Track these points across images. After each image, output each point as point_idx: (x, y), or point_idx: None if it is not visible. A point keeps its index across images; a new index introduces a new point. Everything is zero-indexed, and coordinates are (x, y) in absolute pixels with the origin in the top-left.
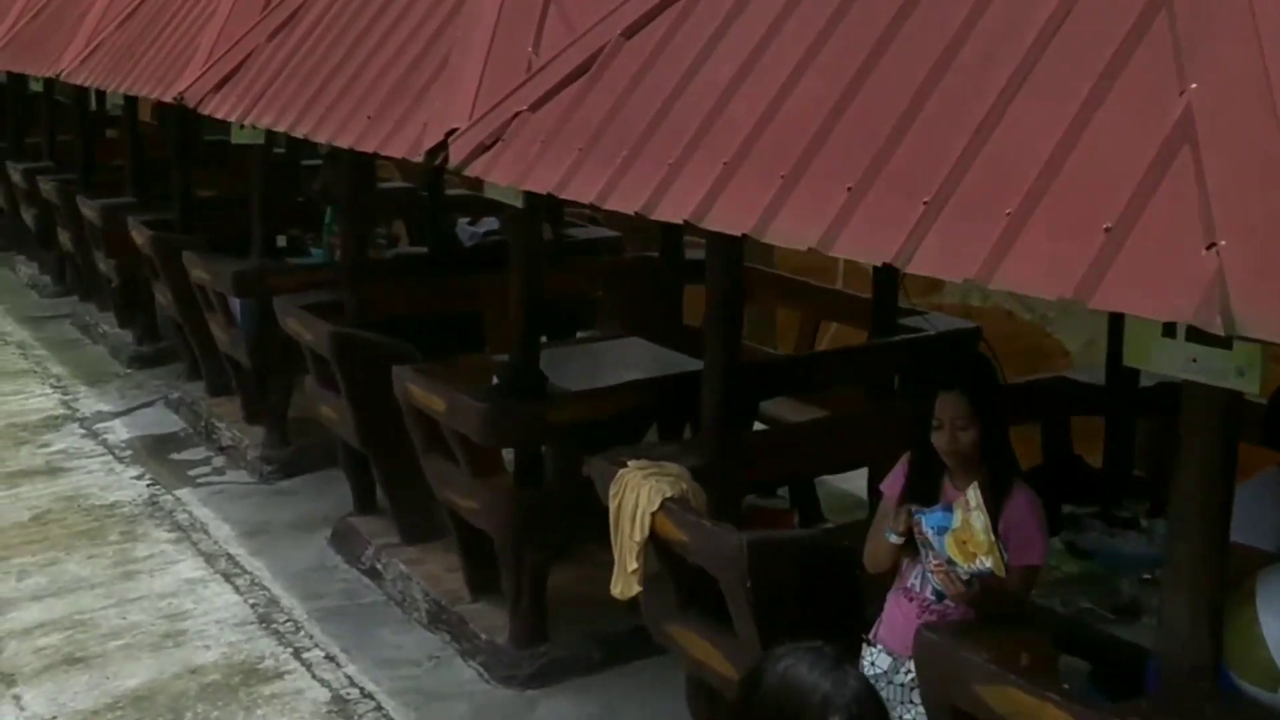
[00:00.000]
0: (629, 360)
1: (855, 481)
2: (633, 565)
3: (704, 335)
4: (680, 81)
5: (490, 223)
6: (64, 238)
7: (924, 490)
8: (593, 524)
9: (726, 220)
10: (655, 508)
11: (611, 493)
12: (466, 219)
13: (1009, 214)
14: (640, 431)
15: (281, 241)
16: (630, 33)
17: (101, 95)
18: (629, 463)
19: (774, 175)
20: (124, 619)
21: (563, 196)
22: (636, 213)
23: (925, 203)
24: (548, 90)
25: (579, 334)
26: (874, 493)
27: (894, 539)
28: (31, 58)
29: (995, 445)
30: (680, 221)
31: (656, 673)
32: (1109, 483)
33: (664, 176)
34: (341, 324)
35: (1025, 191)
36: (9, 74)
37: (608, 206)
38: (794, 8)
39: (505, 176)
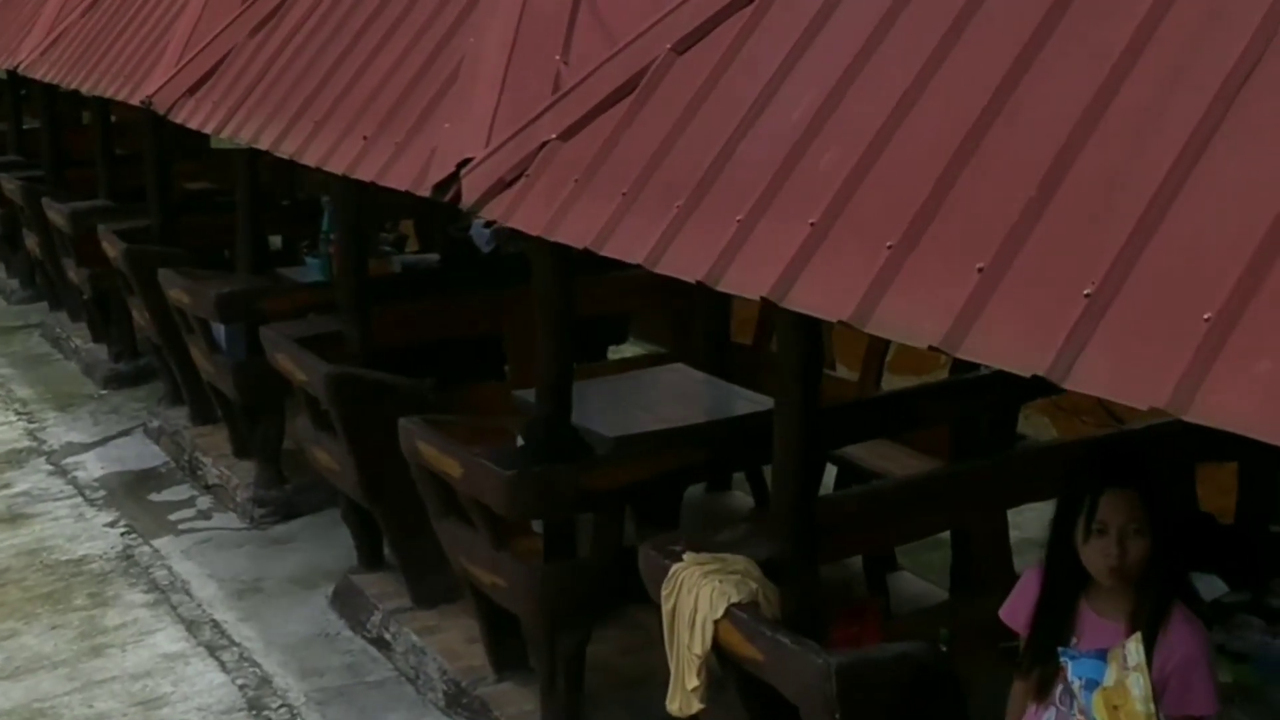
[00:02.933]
0: (672, 392)
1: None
2: (693, 682)
3: (779, 386)
4: (749, 112)
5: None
6: (31, 242)
7: (1058, 615)
8: (636, 589)
9: (815, 301)
10: (719, 615)
11: (665, 593)
12: (482, 220)
13: None
14: (689, 484)
15: (276, 241)
16: (683, 47)
17: None
18: (685, 555)
19: (878, 244)
20: (90, 708)
21: (603, 254)
22: (699, 282)
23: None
24: (583, 115)
25: (610, 351)
26: (960, 563)
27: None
28: None
29: (1167, 566)
30: (756, 299)
31: None
32: (1244, 546)
33: (732, 237)
34: (341, 358)
35: None
36: None
37: (660, 270)
38: (900, 11)
39: (531, 223)
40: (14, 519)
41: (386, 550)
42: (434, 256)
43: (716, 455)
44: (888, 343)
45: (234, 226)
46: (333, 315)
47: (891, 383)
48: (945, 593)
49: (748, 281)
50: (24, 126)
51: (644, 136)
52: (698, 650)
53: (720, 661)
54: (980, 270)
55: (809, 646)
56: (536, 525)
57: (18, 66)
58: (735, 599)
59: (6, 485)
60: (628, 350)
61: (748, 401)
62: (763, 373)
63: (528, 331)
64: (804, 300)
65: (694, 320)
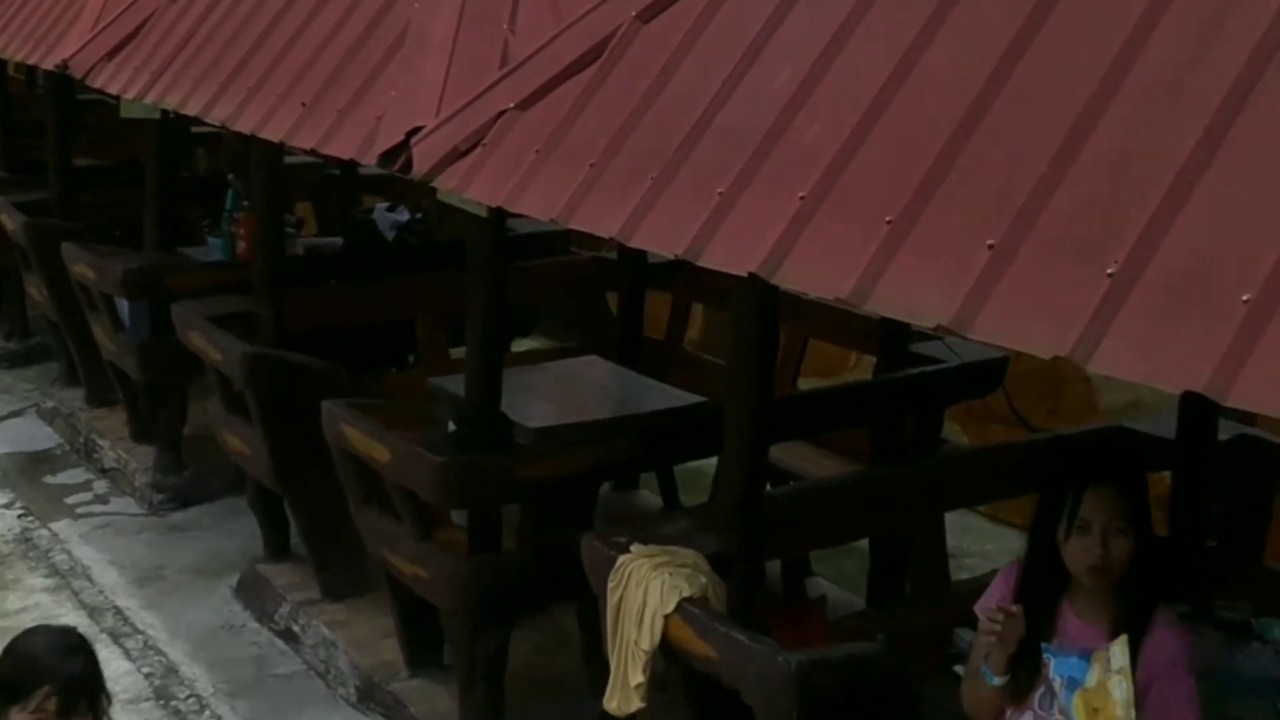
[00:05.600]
0: (590, 383)
1: None
2: (638, 678)
3: (731, 378)
4: (726, 82)
5: (412, 207)
6: None
7: (1040, 613)
8: (559, 587)
9: (809, 278)
10: (670, 610)
11: (610, 585)
12: (385, 204)
13: None
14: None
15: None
16: (650, 15)
17: None
18: (633, 547)
19: (876, 219)
20: None
21: (571, 226)
22: (678, 257)
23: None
24: (543, 84)
25: (514, 343)
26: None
27: (996, 682)
28: None
29: (1149, 564)
30: (744, 274)
31: None
32: (1180, 559)
33: (713, 211)
34: (254, 339)
35: None
36: None
37: (635, 244)
38: None
39: (490, 193)
40: None
41: (294, 540)
42: (337, 240)
43: (648, 449)
44: (805, 341)
45: (128, 202)
46: (242, 295)
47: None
48: (861, 600)
49: (733, 257)
50: None
51: (611, 106)
52: (645, 645)
53: (666, 658)
54: (991, 247)
55: (769, 645)
56: (458, 518)
57: None
58: (686, 593)
59: None
60: (527, 345)
61: (665, 396)
62: (674, 368)
63: (440, 318)
64: (796, 277)
65: (605, 313)
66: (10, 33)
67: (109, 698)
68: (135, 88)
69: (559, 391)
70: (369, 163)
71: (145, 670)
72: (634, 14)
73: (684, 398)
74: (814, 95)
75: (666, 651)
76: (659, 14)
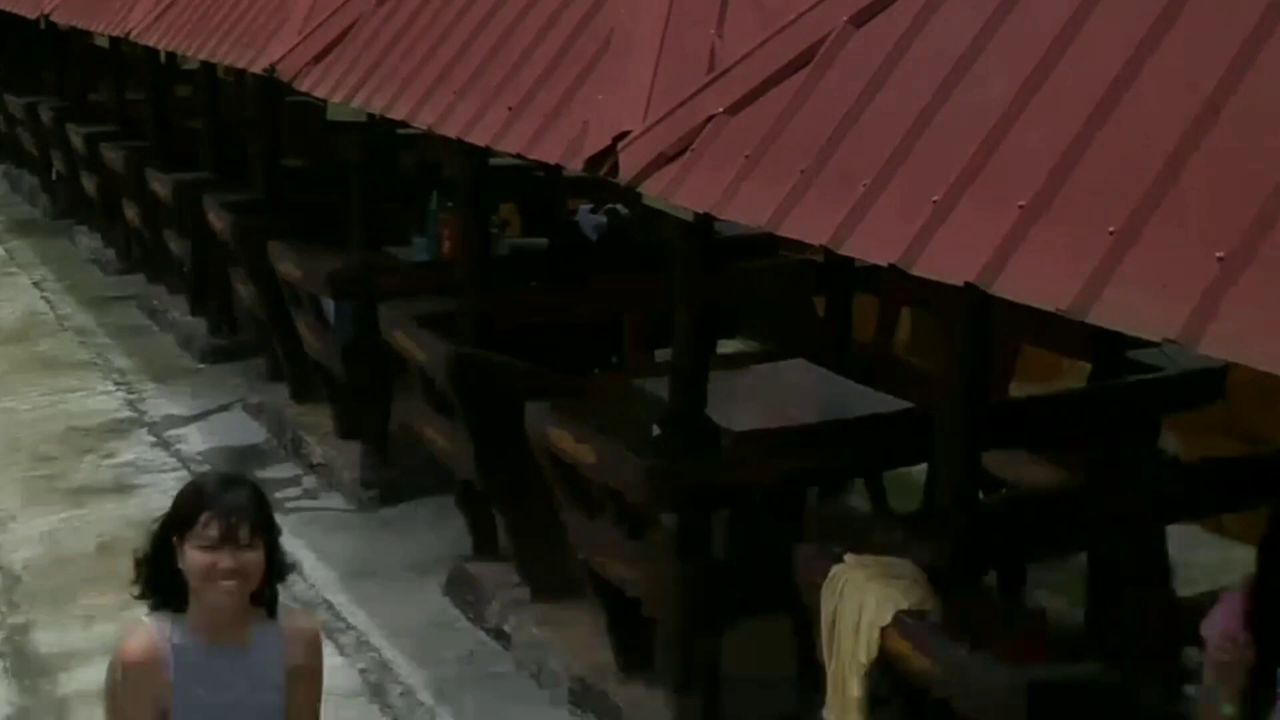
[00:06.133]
0: (796, 387)
1: None
2: (856, 691)
3: (946, 385)
4: (941, 89)
5: (616, 209)
6: (130, 212)
7: (1273, 638)
8: (769, 593)
9: (1029, 289)
10: (886, 622)
11: (824, 594)
12: (588, 205)
13: None
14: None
15: None
16: (862, 19)
17: None
18: (846, 558)
19: (1099, 229)
20: None
21: (779, 233)
22: (891, 265)
23: None
24: (752, 89)
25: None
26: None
27: (1228, 711)
28: (97, 12)
29: None
30: (960, 284)
31: None
32: None
33: (927, 219)
34: (458, 338)
35: None
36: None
37: (846, 252)
38: None
39: (697, 199)
40: (121, 489)
41: (502, 537)
42: (542, 241)
43: (856, 456)
44: (1017, 347)
45: (333, 204)
46: (446, 296)
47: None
48: (1078, 613)
49: (948, 266)
50: (125, 96)
51: (822, 112)
52: (862, 658)
53: (883, 671)
54: (1221, 260)
55: (992, 660)
56: (666, 521)
57: (129, 33)
58: (903, 605)
59: (111, 455)
60: (731, 346)
61: (874, 401)
62: (882, 372)
63: (644, 319)
64: (1015, 288)
65: (811, 316)
66: (220, 37)
67: (278, 531)
68: (342, 91)
69: (764, 395)
70: (575, 167)
71: (359, 666)
72: (846, 18)
73: (893, 403)
74: (1032, 102)
75: (883, 664)
76: (872, 18)
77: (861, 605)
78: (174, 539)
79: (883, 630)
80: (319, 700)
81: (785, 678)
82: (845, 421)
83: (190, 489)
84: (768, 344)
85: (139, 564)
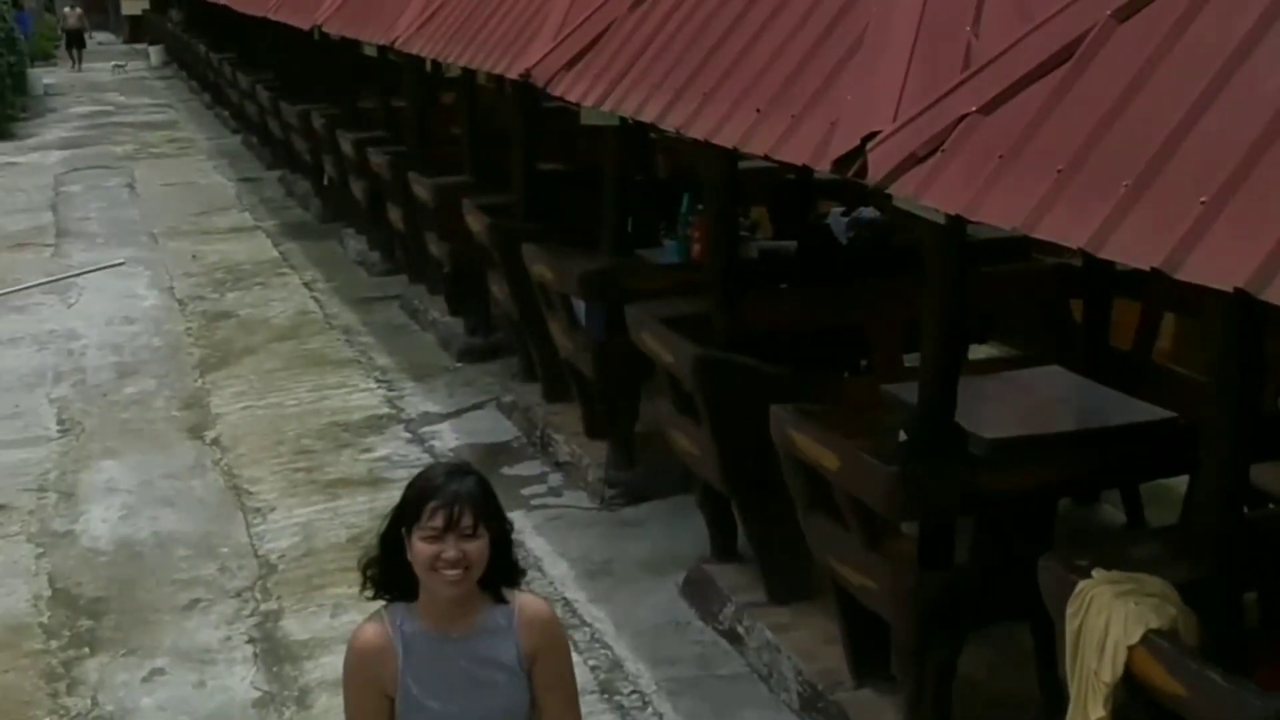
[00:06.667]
0: (1051, 394)
1: None
2: (1098, 711)
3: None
4: (1212, 83)
5: (868, 212)
6: (394, 215)
7: None
8: (1012, 605)
9: None
10: (1135, 641)
11: (1070, 611)
12: (839, 208)
13: None
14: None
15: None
16: (1126, 14)
17: None
18: (1094, 572)
19: None
20: None
21: (1035, 235)
22: (1154, 269)
23: None
24: (1007, 87)
25: (969, 350)
26: None
27: None
28: (366, 22)
29: None
30: (1229, 290)
31: None
32: None
33: (1196, 220)
34: (706, 341)
35: None
36: (343, 37)
37: (1105, 255)
38: None
39: (949, 200)
40: (375, 482)
41: (740, 541)
42: (791, 244)
43: (1113, 466)
44: None
45: (588, 206)
46: (694, 297)
47: None
48: None
49: (1217, 270)
50: (391, 104)
51: (1082, 109)
52: (1106, 677)
53: (1129, 692)
54: None
55: (1250, 689)
56: (909, 528)
57: (394, 41)
58: (1154, 625)
59: (368, 449)
60: (983, 352)
61: (1132, 410)
62: (1143, 380)
63: (895, 323)
64: None
65: (1067, 321)
66: (478, 44)
67: (510, 525)
68: (593, 96)
69: (1017, 402)
70: (823, 168)
71: (591, 663)
72: (1109, 13)
73: (1153, 412)
74: None
75: (1130, 685)
76: (1135, 13)
77: (1109, 622)
78: (403, 531)
79: (1130, 649)
80: (571, 676)
81: (1024, 694)
82: (1104, 429)
83: (417, 481)
84: (1021, 350)
85: (365, 567)
